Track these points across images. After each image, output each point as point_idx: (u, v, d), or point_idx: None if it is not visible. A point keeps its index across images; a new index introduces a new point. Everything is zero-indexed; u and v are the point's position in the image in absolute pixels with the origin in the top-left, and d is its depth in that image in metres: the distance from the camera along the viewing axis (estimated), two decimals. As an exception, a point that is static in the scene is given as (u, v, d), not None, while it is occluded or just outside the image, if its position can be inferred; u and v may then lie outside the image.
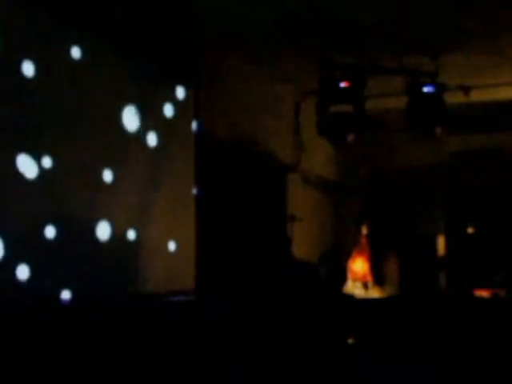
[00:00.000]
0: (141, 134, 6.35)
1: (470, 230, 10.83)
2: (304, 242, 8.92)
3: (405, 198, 10.99)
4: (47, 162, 5.29)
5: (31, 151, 5.16)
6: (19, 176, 5.06)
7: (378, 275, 8.28)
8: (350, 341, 5.78)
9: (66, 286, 5.42)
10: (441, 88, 7.84)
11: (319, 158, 10.16)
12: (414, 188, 11.00)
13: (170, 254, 6.65)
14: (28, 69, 5.16)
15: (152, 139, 6.48)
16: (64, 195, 5.47)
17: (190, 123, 7.05)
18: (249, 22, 6.88)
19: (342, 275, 8.83)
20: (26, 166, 5.12)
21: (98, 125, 5.86)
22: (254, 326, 6.88)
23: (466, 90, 8.44)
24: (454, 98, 8.21)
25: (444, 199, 11.04)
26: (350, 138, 7.95)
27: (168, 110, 6.75)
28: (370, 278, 9.14)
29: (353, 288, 8.70)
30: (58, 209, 5.40)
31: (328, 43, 7.45)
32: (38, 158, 5.22)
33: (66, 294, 5.39)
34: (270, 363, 6.34)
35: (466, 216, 10.87)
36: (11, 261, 4.92)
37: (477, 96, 8.67)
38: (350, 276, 8.97)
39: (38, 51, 5.25)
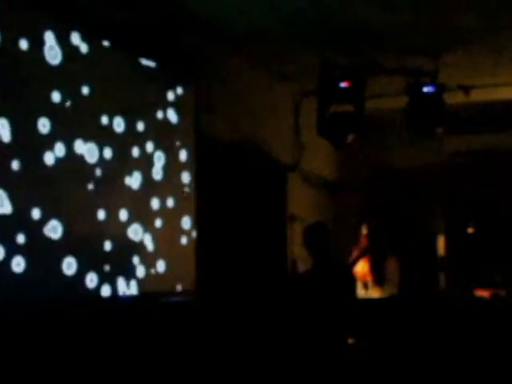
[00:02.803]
0: (141, 134, 6.35)
1: (470, 230, 10.83)
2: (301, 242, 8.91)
3: (405, 198, 10.98)
4: (50, 158, 5.32)
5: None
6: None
7: (378, 275, 8.26)
8: (349, 341, 5.78)
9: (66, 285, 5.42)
10: (441, 88, 7.84)
11: (319, 158, 10.15)
12: (414, 188, 10.99)
13: (170, 254, 6.65)
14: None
15: (152, 139, 6.49)
16: (64, 194, 5.48)
17: (190, 123, 7.04)
18: (249, 22, 6.88)
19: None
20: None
21: (98, 123, 5.87)
22: (253, 325, 6.88)
23: (466, 89, 8.44)
24: (454, 98, 8.21)
25: (444, 199, 11.03)
26: (350, 138, 7.94)
27: (168, 110, 6.75)
28: (369, 278, 9.11)
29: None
30: (60, 208, 5.42)
31: (328, 43, 7.45)
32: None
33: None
34: (270, 363, 6.34)
35: (465, 216, 10.87)
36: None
37: (477, 96, 8.67)
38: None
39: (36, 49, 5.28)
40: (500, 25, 6.97)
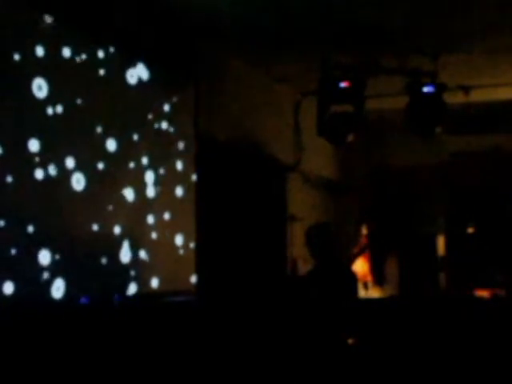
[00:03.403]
0: (141, 134, 6.35)
1: (470, 230, 10.84)
2: (304, 242, 8.92)
3: (405, 198, 10.99)
4: (40, 174, 5.30)
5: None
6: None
7: (378, 275, 8.28)
8: (349, 341, 5.78)
9: (66, 286, 5.42)
10: (441, 88, 7.84)
11: (319, 158, 10.16)
12: (414, 188, 11.01)
13: (171, 255, 6.65)
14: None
15: (152, 139, 6.48)
16: (64, 196, 5.48)
17: (190, 124, 7.04)
18: (249, 22, 6.88)
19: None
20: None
21: (97, 125, 5.86)
22: (254, 325, 6.88)
23: (466, 89, 8.45)
24: (454, 98, 8.21)
25: (444, 199, 11.05)
26: (350, 138, 7.94)
27: (168, 111, 6.75)
28: (370, 278, 9.13)
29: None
30: (58, 209, 5.41)
31: (328, 43, 7.45)
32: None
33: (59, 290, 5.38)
34: (271, 363, 6.34)
35: (465, 216, 10.88)
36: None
37: (477, 96, 8.67)
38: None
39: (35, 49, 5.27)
40: (500, 25, 6.97)
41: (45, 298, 5.24)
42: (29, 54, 5.19)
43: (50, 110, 5.35)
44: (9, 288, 4.90)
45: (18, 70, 5.11)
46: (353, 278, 6.04)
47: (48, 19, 5.35)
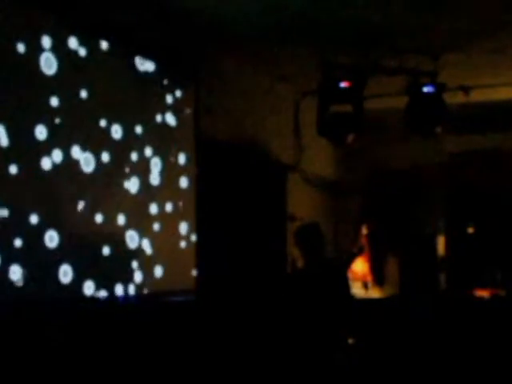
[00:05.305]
0: (140, 138, 6.34)
1: (470, 230, 10.84)
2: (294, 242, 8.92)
3: (405, 198, 10.99)
4: (47, 163, 5.31)
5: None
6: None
7: (378, 275, 8.26)
8: (349, 341, 5.78)
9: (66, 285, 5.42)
10: (441, 88, 7.84)
11: (319, 158, 10.16)
12: (414, 188, 11.00)
13: (170, 254, 6.65)
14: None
15: (152, 139, 6.48)
16: (64, 195, 5.48)
17: (190, 123, 7.04)
18: (249, 22, 6.88)
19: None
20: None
21: (97, 125, 5.86)
22: (253, 325, 6.88)
23: (465, 90, 8.45)
24: (454, 98, 8.21)
25: (444, 199, 11.04)
26: (350, 138, 7.94)
27: (168, 111, 6.75)
28: (369, 278, 9.10)
29: (353, 288, 8.68)
30: (57, 208, 5.41)
31: (328, 43, 7.46)
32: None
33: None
34: (270, 363, 6.34)
35: (465, 216, 10.88)
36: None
37: (477, 96, 8.67)
38: (349, 276, 8.95)
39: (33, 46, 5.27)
40: (500, 25, 6.97)
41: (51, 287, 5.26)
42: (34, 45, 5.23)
43: (54, 101, 5.38)
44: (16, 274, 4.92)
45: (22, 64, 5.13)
46: (342, 277, 6.04)
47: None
